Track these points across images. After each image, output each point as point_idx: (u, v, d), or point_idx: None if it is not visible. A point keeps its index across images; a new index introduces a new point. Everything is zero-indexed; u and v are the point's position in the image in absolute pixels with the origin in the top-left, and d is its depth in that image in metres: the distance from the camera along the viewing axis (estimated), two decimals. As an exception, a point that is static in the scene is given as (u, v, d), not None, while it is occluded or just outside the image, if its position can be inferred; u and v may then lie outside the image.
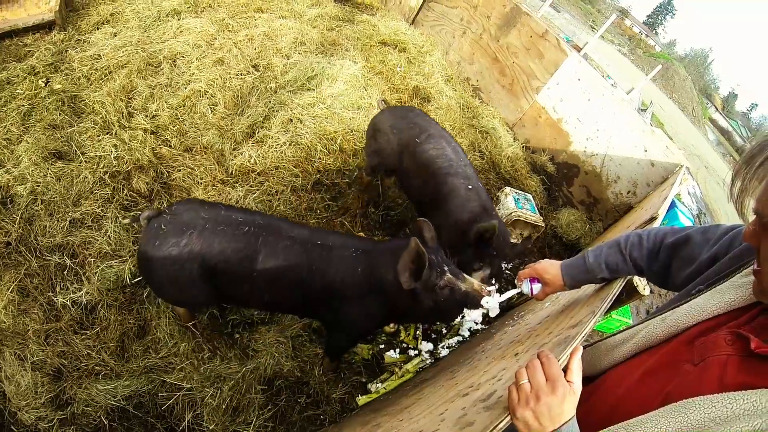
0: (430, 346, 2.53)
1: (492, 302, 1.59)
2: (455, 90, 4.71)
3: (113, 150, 2.69)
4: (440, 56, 5.03)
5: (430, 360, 2.48)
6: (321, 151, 3.21)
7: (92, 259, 2.24)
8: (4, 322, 1.95)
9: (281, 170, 3.00)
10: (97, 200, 2.45)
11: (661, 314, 0.92)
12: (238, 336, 2.27)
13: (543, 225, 3.37)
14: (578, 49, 5.27)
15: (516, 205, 3.31)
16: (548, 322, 1.43)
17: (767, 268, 0.71)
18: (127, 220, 2.11)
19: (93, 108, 2.87)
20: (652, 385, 0.80)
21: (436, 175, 2.52)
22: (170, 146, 2.92)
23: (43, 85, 2.88)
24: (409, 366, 2.40)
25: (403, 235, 3.10)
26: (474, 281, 1.67)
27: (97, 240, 2.30)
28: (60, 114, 2.74)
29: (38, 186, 2.38)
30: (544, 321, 1.52)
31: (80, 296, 2.10)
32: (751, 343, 0.70)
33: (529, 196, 3.59)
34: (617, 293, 1.19)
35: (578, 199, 4.14)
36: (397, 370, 2.39)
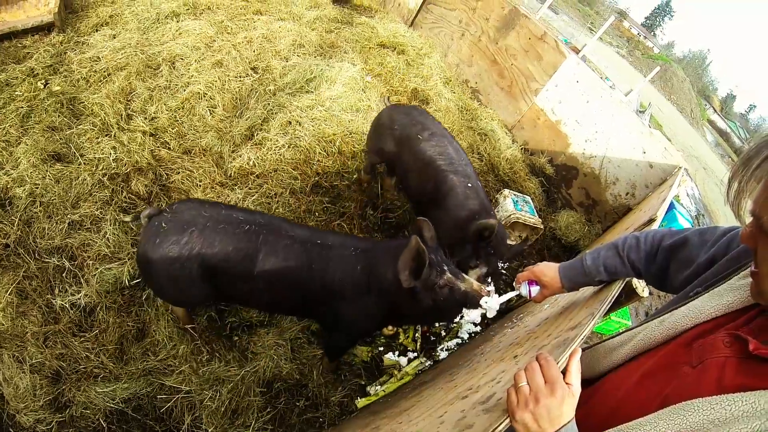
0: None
1: (491, 303, 1.59)
2: (454, 92, 4.72)
3: (112, 152, 2.69)
4: (439, 58, 5.03)
5: (429, 362, 2.48)
6: (320, 153, 3.21)
7: (91, 262, 2.23)
8: (3, 325, 1.95)
9: (280, 173, 3.00)
10: (96, 202, 2.45)
11: (659, 317, 0.92)
12: (236, 338, 2.27)
13: (542, 227, 3.37)
14: (577, 51, 5.29)
15: (515, 207, 3.32)
16: (547, 324, 1.43)
17: (764, 270, 0.71)
18: (128, 218, 2.12)
19: (92, 110, 2.87)
20: (651, 388, 0.80)
21: (436, 172, 2.55)
22: (169, 148, 2.92)
23: (42, 86, 2.88)
24: (408, 368, 2.40)
25: (402, 237, 3.10)
26: (473, 281, 1.67)
27: (96, 242, 2.29)
28: (59, 116, 2.74)
29: (37, 188, 2.38)
30: (543, 323, 1.52)
31: (79, 298, 2.10)
32: (750, 344, 0.70)
33: (528, 198, 3.60)
34: (616, 295, 1.19)
35: (577, 201, 4.14)
36: (396, 372, 2.39)
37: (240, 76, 3.58)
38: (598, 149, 3.93)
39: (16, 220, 2.26)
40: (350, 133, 3.44)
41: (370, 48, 4.66)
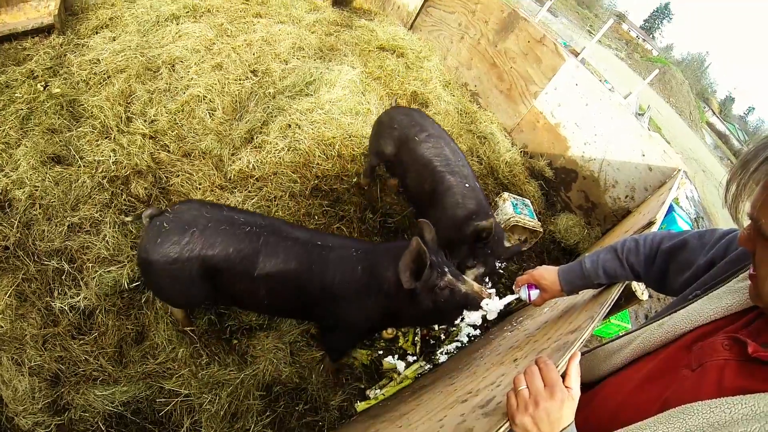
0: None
1: (492, 305, 1.59)
2: (453, 95, 4.73)
3: (112, 155, 2.69)
4: (438, 61, 5.05)
5: (428, 366, 2.47)
6: (319, 156, 3.21)
7: (90, 264, 2.23)
8: (2, 327, 1.94)
9: (279, 176, 3.00)
10: (96, 205, 2.45)
11: (658, 320, 0.92)
12: (236, 342, 2.27)
13: (541, 230, 3.38)
14: (576, 54, 5.30)
15: (514, 210, 3.32)
16: (547, 328, 1.43)
17: (763, 273, 0.71)
18: (129, 219, 2.13)
19: (92, 112, 2.87)
20: (651, 391, 0.80)
21: (434, 172, 2.58)
22: (169, 151, 2.92)
23: (41, 89, 2.89)
24: (407, 372, 2.40)
25: (402, 239, 3.10)
26: (474, 283, 1.68)
27: (96, 245, 2.29)
28: (59, 118, 2.74)
29: (36, 190, 2.38)
30: (543, 326, 1.52)
31: (78, 301, 2.10)
32: (749, 347, 0.70)
33: (528, 202, 3.60)
34: (616, 298, 1.19)
35: (576, 204, 4.15)
36: (395, 376, 2.38)
37: (240, 79, 3.59)
38: (598, 152, 3.94)
39: (16, 222, 2.26)
40: (350, 137, 3.45)
41: (369, 51, 4.68)
